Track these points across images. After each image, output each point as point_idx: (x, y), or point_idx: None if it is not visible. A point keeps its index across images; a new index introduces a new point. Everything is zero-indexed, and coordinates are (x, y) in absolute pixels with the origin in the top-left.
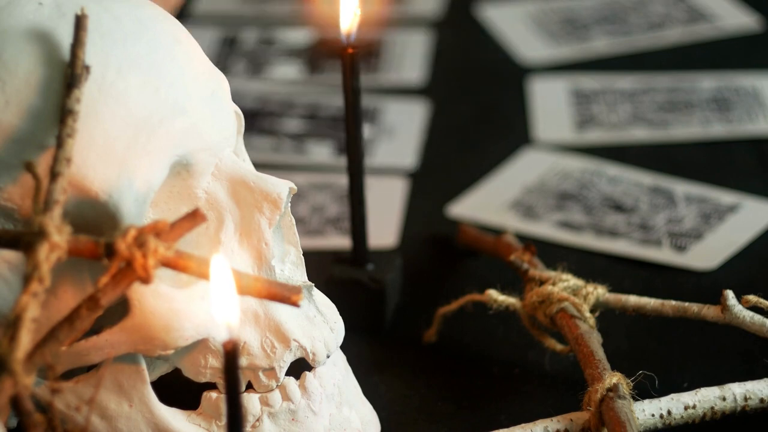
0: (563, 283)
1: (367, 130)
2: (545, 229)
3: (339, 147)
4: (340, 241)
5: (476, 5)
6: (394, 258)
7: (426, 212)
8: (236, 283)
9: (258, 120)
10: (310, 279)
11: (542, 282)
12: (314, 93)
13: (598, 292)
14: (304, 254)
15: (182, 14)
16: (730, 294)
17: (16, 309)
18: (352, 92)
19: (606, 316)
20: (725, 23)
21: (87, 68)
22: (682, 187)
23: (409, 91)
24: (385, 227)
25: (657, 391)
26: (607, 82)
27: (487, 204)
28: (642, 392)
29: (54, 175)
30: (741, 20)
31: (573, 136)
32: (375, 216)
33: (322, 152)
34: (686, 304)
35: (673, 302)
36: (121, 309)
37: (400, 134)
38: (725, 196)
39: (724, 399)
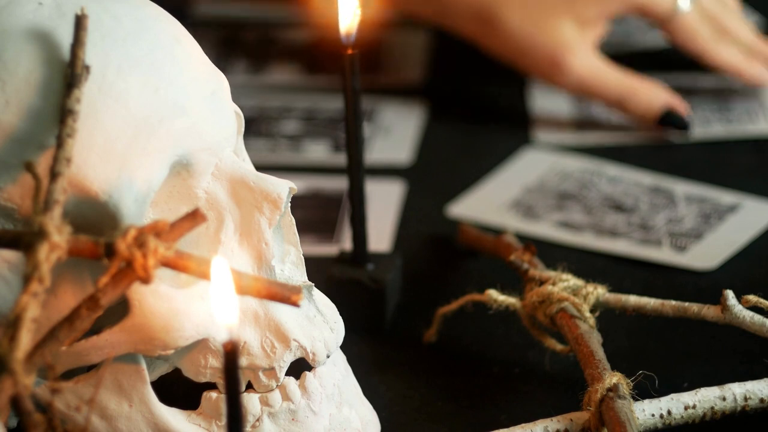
0: (563, 283)
1: (365, 129)
2: (545, 229)
3: (335, 145)
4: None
5: None
6: (394, 258)
7: (426, 212)
8: (236, 283)
9: (255, 124)
10: (310, 279)
11: (542, 282)
12: (313, 95)
13: (598, 292)
14: (304, 254)
15: (182, 14)
16: (730, 294)
17: (16, 309)
18: (352, 92)
19: (606, 316)
20: None
21: (87, 68)
22: (682, 187)
23: (408, 92)
24: (380, 231)
25: (657, 391)
26: None
27: (487, 204)
28: (642, 392)
29: (54, 175)
30: None
31: (573, 136)
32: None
33: (318, 150)
34: (686, 304)
35: (673, 302)
36: (121, 309)
37: (396, 131)
38: (725, 196)
39: (724, 399)
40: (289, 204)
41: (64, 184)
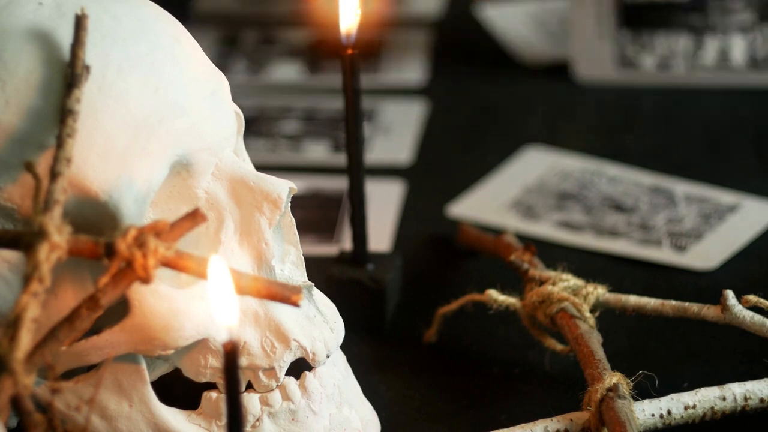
0: (563, 283)
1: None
2: (545, 229)
3: (335, 145)
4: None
5: (476, 5)
6: (394, 258)
7: (426, 212)
8: (236, 283)
9: (255, 124)
10: (310, 279)
11: (542, 282)
12: (313, 95)
13: (598, 292)
14: (304, 254)
15: (182, 14)
16: (730, 294)
17: (16, 309)
18: (352, 92)
19: (606, 316)
20: None
21: (87, 68)
22: (682, 187)
23: (408, 91)
24: (380, 231)
25: (657, 391)
26: None
27: (487, 204)
28: (642, 392)
29: (54, 175)
30: None
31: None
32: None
33: (318, 150)
34: (686, 304)
35: (673, 302)
36: (121, 309)
37: (396, 131)
38: (725, 196)
39: (724, 399)
40: (289, 204)
41: (64, 184)
